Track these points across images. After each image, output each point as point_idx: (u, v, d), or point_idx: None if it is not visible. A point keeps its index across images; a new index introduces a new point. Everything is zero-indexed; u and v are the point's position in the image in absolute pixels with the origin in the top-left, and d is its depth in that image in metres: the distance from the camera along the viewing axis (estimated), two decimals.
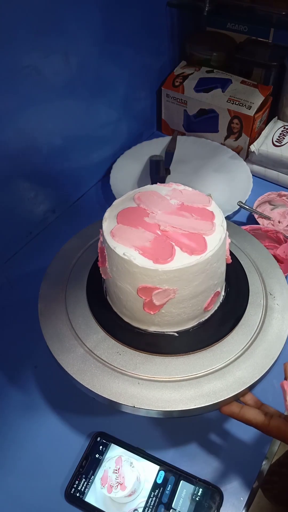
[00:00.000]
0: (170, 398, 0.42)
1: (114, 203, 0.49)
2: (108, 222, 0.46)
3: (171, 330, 0.48)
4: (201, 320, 0.49)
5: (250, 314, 0.49)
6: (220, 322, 0.49)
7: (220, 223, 0.45)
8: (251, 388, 0.44)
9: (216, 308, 0.50)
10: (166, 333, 0.48)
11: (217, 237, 0.44)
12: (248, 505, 0.47)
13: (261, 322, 0.49)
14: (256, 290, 0.52)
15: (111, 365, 0.45)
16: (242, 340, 0.47)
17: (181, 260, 0.41)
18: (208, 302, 0.47)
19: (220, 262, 0.46)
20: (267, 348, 0.46)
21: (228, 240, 0.48)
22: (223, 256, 0.46)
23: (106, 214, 0.47)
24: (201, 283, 0.44)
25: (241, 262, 0.55)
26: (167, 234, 0.44)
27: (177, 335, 0.48)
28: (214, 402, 0.42)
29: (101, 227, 0.46)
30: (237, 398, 0.44)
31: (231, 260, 0.50)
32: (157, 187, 0.50)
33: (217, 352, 0.46)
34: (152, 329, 0.48)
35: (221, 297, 0.51)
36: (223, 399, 0.42)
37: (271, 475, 0.74)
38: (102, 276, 0.49)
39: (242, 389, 0.43)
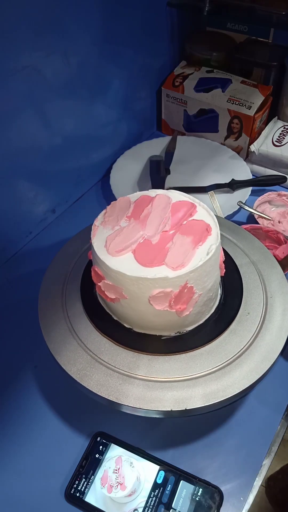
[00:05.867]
0: (172, 398, 0.42)
1: (97, 230, 0.47)
2: (101, 254, 0.45)
3: (171, 333, 0.48)
4: (200, 321, 0.49)
5: (250, 313, 0.49)
6: (220, 322, 0.49)
7: (215, 229, 0.46)
8: (251, 387, 0.44)
9: (214, 308, 0.50)
10: (165, 335, 0.48)
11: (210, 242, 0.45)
12: (248, 505, 0.47)
13: (261, 321, 0.49)
14: (256, 289, 0.52)
15: (113, 366, 0.45)
16: (242, 339, 0.47)
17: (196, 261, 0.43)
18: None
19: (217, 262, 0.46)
20: (267, 348, 0.46)
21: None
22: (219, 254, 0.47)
23: (95, 243, 0.46)
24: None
25: (241, 261, 0.55)
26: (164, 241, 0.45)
27: (177, 335, 0.48)
28: (215, 402, 0.42)
29: None
30: (238, 397, 0.44)
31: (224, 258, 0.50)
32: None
33: (217, 352, 0.46)
34: (152, 333, 0.48)
35: (219, 298, 0.51)
36: (225, 398, 0.42)
37: (278, 472, 0.74)
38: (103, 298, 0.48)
39: (242, 389, 0.43)
